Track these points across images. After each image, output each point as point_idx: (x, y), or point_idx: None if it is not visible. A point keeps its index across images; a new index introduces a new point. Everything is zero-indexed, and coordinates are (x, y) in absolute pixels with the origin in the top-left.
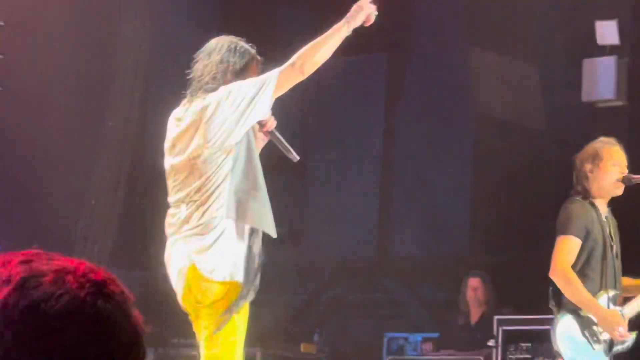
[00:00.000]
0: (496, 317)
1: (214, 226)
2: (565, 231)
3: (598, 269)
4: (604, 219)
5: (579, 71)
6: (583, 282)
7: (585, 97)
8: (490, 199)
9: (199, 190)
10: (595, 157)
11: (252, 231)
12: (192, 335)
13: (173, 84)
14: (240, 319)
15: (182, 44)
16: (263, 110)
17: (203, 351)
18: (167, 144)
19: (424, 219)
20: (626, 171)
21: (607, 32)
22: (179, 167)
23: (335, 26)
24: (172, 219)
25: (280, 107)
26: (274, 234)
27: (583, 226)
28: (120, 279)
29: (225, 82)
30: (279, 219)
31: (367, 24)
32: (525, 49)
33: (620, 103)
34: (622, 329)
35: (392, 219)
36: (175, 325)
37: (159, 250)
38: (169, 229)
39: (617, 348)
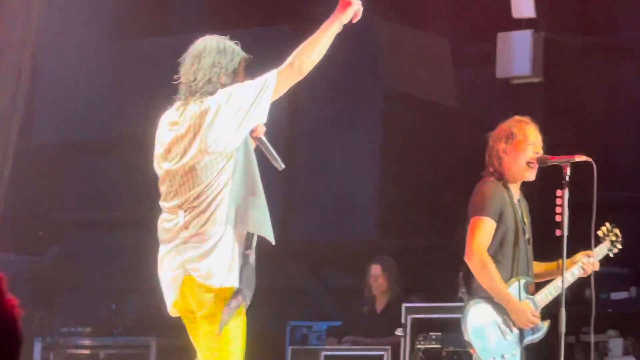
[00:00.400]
0: (404, 304)
1: (213, 234)
2: (480, 212)
3: (510, 254)
4: (516, 202)
5: (493, 45)
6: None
7: (499, 73)
8: (399, 179)
9: (198, 196)
10: (509, 137)
11: (249, 237)
12: (83, 323)
13: (65, 57)
14: (238, 326)
15: (73, 17)
16: (262, 114)
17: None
18: (160, 149)
19: (329, 201)
20: (541, 152)
21: (523, 4)
22: (176, 172)
23: (326, 23)
24: (168, 224)
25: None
26: (272, 239)
27: (497, 208)
28: (6, 264)
29: (221, 85)
30: None
31: (355, 20)
32: (437, 20)
33: (536, 79)
34: (534, 320)
35: (295, 201)
36: (65, 313)
37: (48, 233)
38: (164, 235)
39: (530, 338)
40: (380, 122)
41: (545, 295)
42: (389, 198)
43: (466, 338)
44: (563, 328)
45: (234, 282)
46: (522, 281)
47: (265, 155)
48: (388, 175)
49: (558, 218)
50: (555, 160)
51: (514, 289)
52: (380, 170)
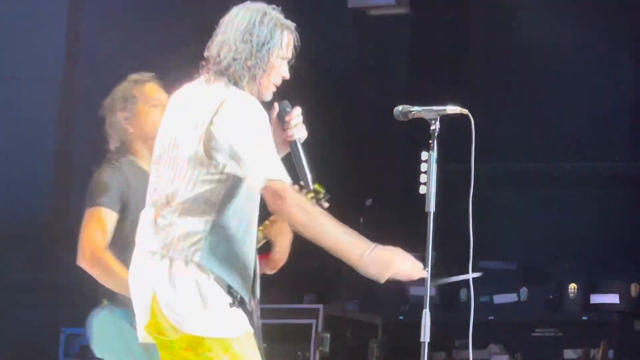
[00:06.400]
0: None
1: None
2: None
3: None
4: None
5: None
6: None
7: (353, 1)
8: None
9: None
10: (130, 100)
11: None
12: None
13: None
14: None
15: None
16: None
17: None
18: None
19: None
20: None
21: None
22: None
23: (350, 253)
24: None
25: None
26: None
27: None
28: None
29: (247, 68)
30: None
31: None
32: None
33: (401, 11)
34: None
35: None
36: None
37: None
38: None
39: None
40: None
41: None
42: None
43: (96, 354)
44: (427, 336)
45: None
46: None
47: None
48: None
49: (422, 189)
50: (420, 110)
51: None
52: None
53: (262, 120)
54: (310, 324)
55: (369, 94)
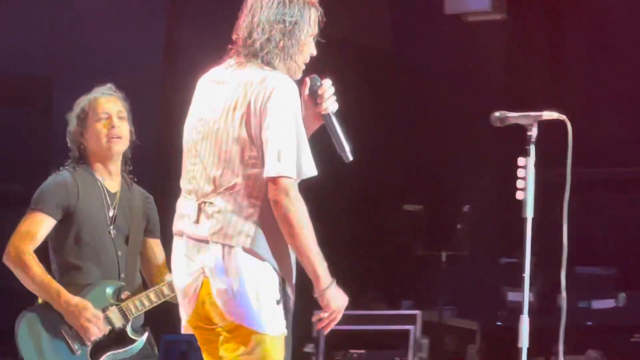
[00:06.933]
0: (316, 312)
1: None
2: (34, 205)
3: (90, 256)
4: (105, 191)
5: None
6: (72, 272)
7: (450, 7)
8: None
9: None
10: (81, 115)
11: None
12: None
13: None
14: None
15: None
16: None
17: None
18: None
19: None
20: (116, 122)
21: None
22: None
23: (325, 274)
24: None
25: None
26: None
27: (59, 203)
28: None
29: (279, 49)
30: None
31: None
32: None
33: (497, 16)
34: (93, 324)
35: None
36: None
37: None
38: None
39: (113, 352)
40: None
41: (141, 302)
42: None
43: (20, 355)
44: (525, 341)
45: None
46: (109, 287)
47: (330, 140)
48: None
49: (519, 195)
50: (517, 116)
51: (94, 297)
52: None
53: (297, 108)
54: (409, 330)
55: (465, 100)
